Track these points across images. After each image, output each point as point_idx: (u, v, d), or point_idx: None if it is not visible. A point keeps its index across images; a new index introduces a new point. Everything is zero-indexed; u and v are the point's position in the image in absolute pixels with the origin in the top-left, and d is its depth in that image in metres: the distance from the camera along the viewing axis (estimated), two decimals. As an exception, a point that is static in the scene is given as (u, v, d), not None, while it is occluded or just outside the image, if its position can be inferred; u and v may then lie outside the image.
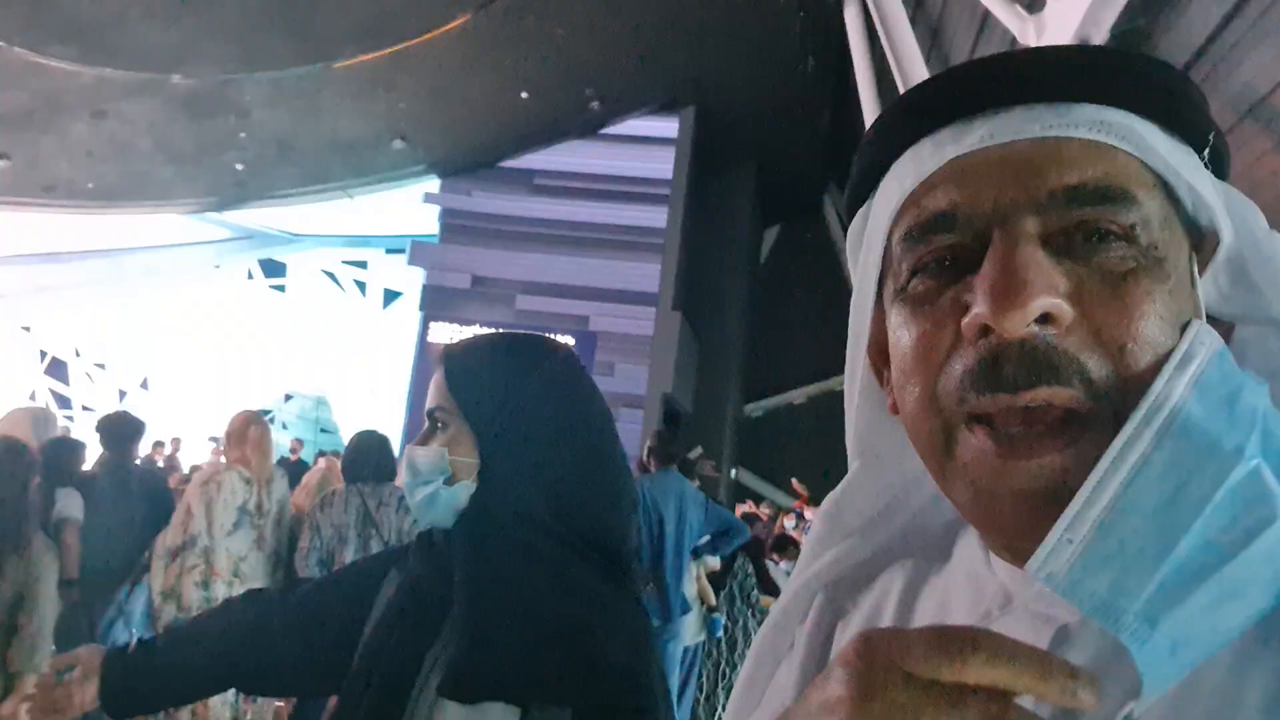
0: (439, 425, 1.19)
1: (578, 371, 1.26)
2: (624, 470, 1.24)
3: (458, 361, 1.23)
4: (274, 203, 14.32)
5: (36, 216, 12.69)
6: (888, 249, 0.56)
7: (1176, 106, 0.51)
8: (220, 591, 3.91)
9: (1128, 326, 0.46)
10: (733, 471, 15.53)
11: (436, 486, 1.15)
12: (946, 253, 0.51)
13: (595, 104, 12.85)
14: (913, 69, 6.61)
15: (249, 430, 4.21)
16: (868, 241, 0.59)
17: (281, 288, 17.39)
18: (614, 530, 1.19)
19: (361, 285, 17.35)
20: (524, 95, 12.10)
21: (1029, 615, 0.49)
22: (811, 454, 15.34)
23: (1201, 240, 0.52)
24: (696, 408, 14.20)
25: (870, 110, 12.10)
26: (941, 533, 0.63)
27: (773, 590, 5.40)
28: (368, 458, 4.18)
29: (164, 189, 12.69)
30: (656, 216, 13.27)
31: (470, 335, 1.29)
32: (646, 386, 12.09)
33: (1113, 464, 0.42)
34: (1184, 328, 0.47)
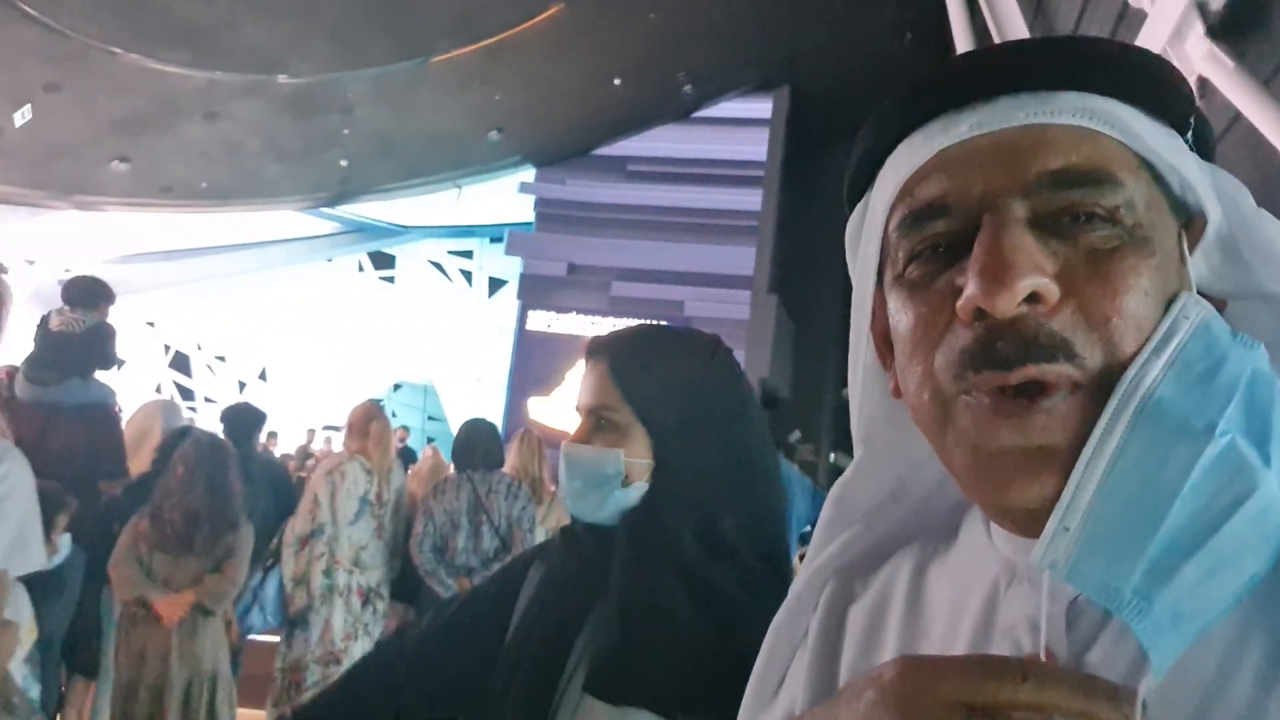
0: (603, 423, 1.13)
1: (738, 368, 1.23)
2: (780, 473, 1.21)
3: (624, 357, 1.16)
4: (377, 197, 14.71)
5: (156, 216, 13.30)
6: (885, 238, 0.58)
7: (1159, 92, 0.53)
8: (341, 580, 4.06)
9: (1112, 302, 0.48)
10: (831, 455, 15.34)
11: (613, 489, 1.11)
12: (940, 239, 0.53)
13: (688, 87, 12.78)
14: (1016, 38, 6.36)
15: (371, 425, 4.38)
16: (866, 232, 0.61)
17: (391, 279, 17.69)
18: (777, 538, 1.16)
19: (468, 275, 17.47)
20: (616, 82, 12.12)
21: (1035, 589, 0.50)
22: (912, 437, 14.97)
23: (1190, 220, 0.53)
24: (794, 391, 14.06)
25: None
26: (948, 514, 0.64)
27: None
28: (477, 446, 4.27)
29: (272, 186, 13.17)
30: (751, 199, 13.15)
31: (625, 328, 1.23)
32: (744, 371, 12.01)
33: (1096, 450, 0.45)
34: (1172, 299, 0.49)
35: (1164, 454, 0.44)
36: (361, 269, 17.58)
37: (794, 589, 0.70)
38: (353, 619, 4.13)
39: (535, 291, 13.91)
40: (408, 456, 11.58)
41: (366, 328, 16.67)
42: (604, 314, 13.55)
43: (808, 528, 4.53)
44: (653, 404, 1.13)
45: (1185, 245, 0.52)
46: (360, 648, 4.10)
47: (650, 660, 1.03)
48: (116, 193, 11.99)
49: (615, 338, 1.20)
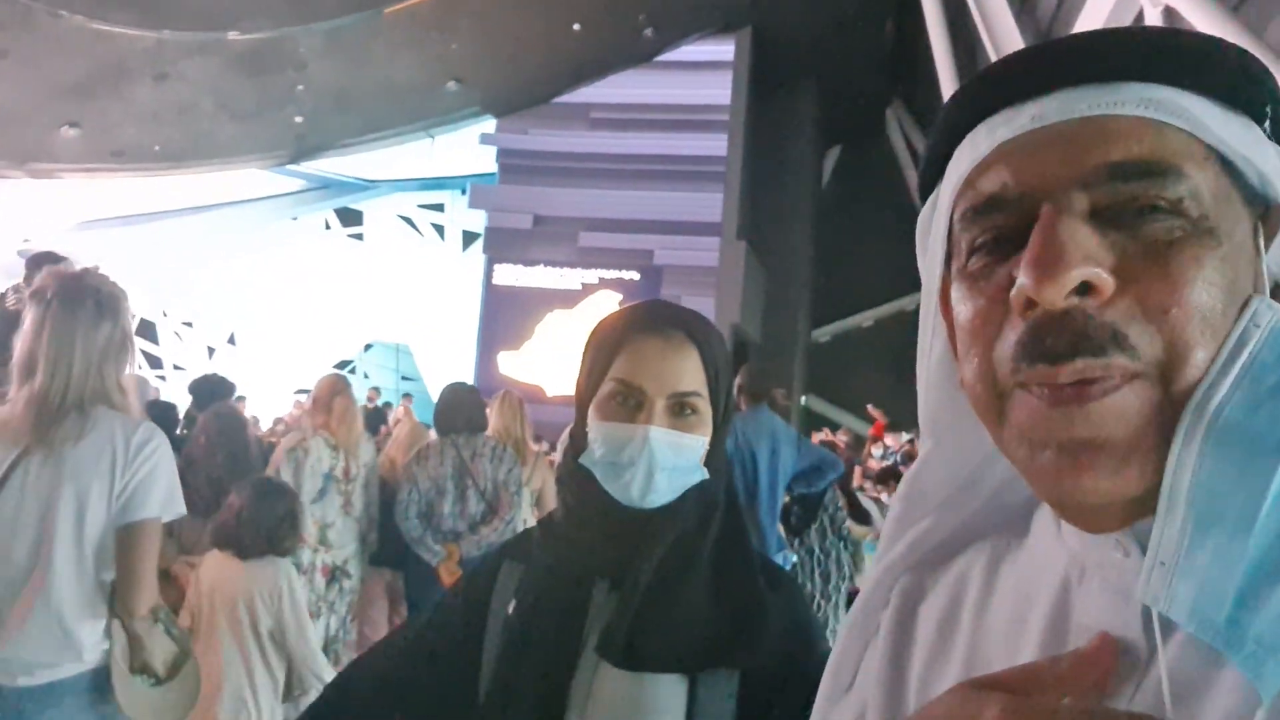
0: (687, 409, 1.11)
1: None
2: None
3: (708, 340, 1.13)
4: (337, 153, 14.43)
5: (111, 181, 12.96)
6: (951, 231, 0.58)
7: (1232, 81, 0.51)
8: (305, 557, 4.01)
9: (1172, 293, 0.46)
10: (803, 399, 15.48)
11: (694, 476, 1.11)
12: (1001, 231, 0.52)
13: (649, 31, 12.59)
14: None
15: (334, 401, 4.27)
16: (935, 225, 0.61)
17: (360, 236, 17.29)
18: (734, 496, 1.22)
19: (439, 229, 17.09)
20: (576, 27, 11.91)
21: (1108, 590, 0.51)
22: (881, 377, 15.19)
23: (1268, 212, 0.52)
24: (765, 337, 14.13)
25: (934, 18, 11.62)
26: (1022, 508, 0.63)
27: (863, 518, 5.39)
28: (459, 410, 4.23)
29: (227, 147, 12.87)
30: (716, 144, 13.06)
31: (678, 306, 1.19)
32: (714, 318, 12.01)
33: (1174, 478, 0.44)
34: (1244, 305, 0.48)
35: (1240, 474, 0.44)
36: (328, 227, 17.16)
37: (866, 587, 0.70)
38: (316, 597, 4.08)
39: (501, 245, 13.78)
40: (379, 417, 11.53)
41: (336, 287, 16.41)
42: (572, 265, 13.49)
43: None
44: (719, 391, 1.13)
45: (1262, 239, 0.51)
46: (324, 625, 4.09)
47: (669, 627, 1.05)
48: (68, 159, 11.66)
49: (695, 319, 1.15)
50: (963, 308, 0.55)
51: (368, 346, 17.62)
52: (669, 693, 1.03)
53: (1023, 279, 0.47)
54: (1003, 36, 9.21)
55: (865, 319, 16.75)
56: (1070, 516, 0.53)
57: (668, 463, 1.08)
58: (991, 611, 0.60)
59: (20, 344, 1.93)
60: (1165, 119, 0.50)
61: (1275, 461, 0.43)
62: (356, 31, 10.86)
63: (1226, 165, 0.51)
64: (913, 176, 17.17)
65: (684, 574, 1.08)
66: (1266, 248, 0.51)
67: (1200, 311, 0.47)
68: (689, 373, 1.11)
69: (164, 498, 2.00)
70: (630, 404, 1.10)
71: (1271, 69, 0.52)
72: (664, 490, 1.09)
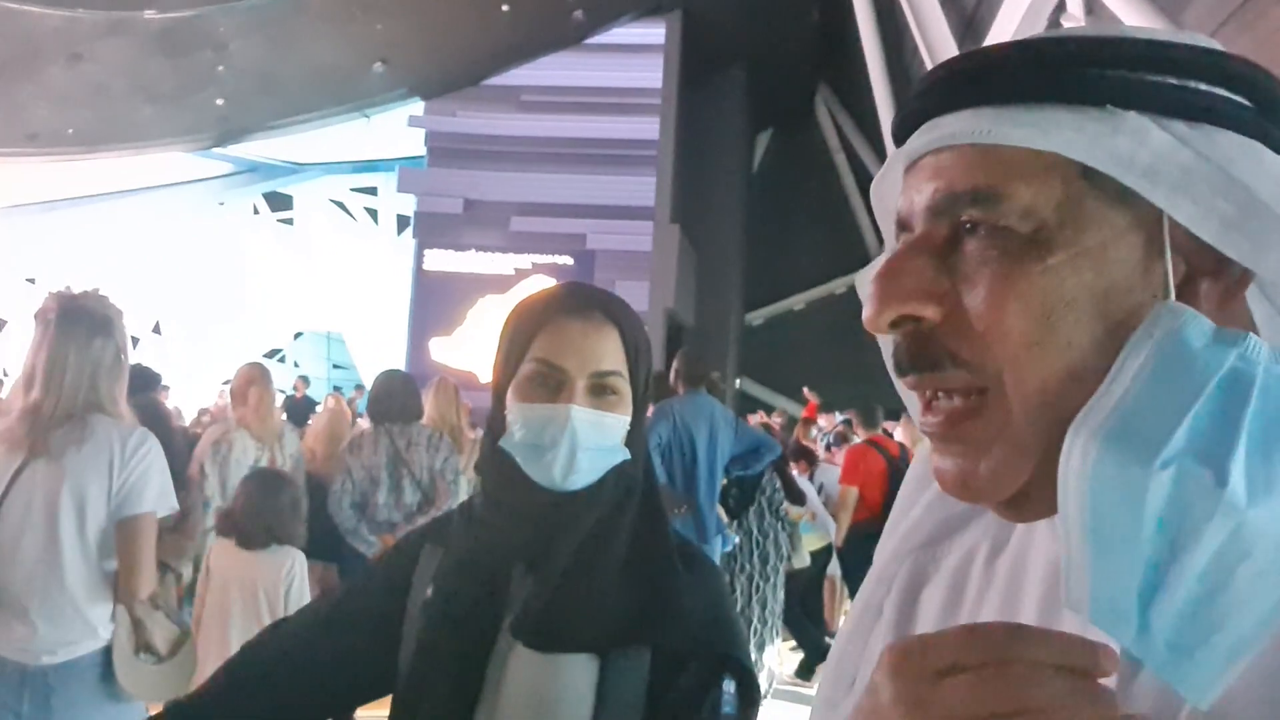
0: (607, 389, 1.11)
1: None
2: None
3: (628, 321, 1.14)
4: (261, 137, 14.02)
5: (25, 167, 12.42)
6: None
7: (1080, 79, 0.51)
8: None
9: (987, 310, 0.50)
10: (737, 382, 15.60)
11: (616, 456, 1.11)
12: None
13: (578, 13, 12.48)
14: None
15: (249, 392, 4.22)
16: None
17: (289, 220, 16.66)
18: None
19: (373, 213, 16.53)
20: (505, 8, 11.75)
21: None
22: (813, 359, 15.39)
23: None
24: (698, 320, 14.19)
25: (862, 2, 11.74)
26: None
27: (799, 499, 5.46)
28: (394, 398, 4.16)
29: (145, 130, 12.38)
30: (648, 128, 13.02)
31: (595, 288, 1.20)
32: (648, 302, 12.02)
33: (1068, 520, 0.45)
34: (1135, 308, 0.49)
35: (1127, 482, 0.44)
36: (257, 211, 16.54)
37: (872, 572, 0.71)
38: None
39: (432, 230, 13.57)
40: (308, 408, 11.27)
41: (265, 273, 15.93)
42: (504, 250, 13.35)
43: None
44: (640, 370, 1.15)
45: (1166, 229, 0.50)
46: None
47: (582, 608, 1.06)
48: (-22, 143, 11.15)
49: (613, 301, 1.16)
50: None
51: (298, 334, 17.14)
52: (580, 673, 1.05)
53: (864, 309, 0.54)
54: (930, 25, 9.34)
55: (797, 302, 16.92)
56: (996, 510, 0.56)
57: (590, 442, 1.08)
58: (989, 599, 0.62)
59: (25, 360, 2.21)
60: (997, 141, 0.52)
61: (1146, 481, 0.43)
62: (279, 11, 10.56)
63: (1086, 169, 0.50)
64: (842, 161, 17.44)
65: (599, 556, 1.09)
66: (1170, 234, 0.50)
67: (1019, 322, 0.49)
68: (610, 353, 1.11)
69: (157, 494, 2.25)
70: (551, 384, 1.09)
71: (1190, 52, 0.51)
72: (585, 471, 1.08)
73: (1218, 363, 0.45)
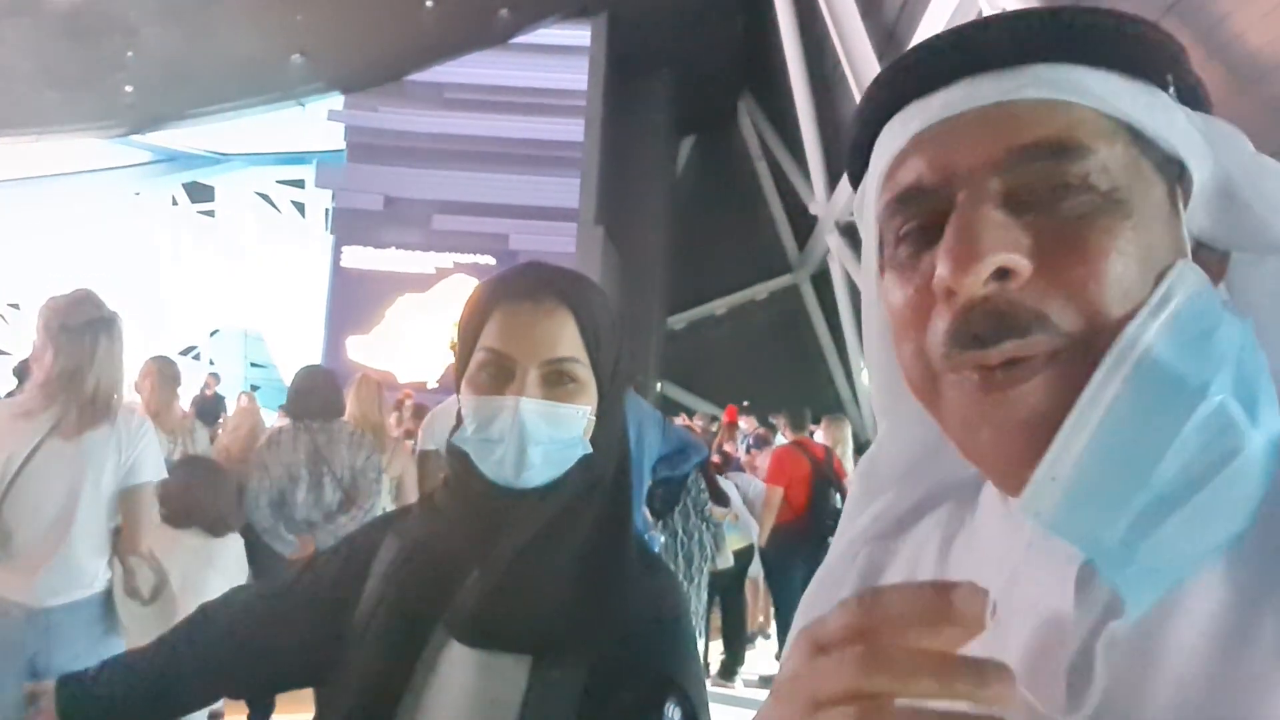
0: (565, 378, 1.04)
1: None
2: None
3: (585, 303, 1.06)
4: (173, 126, 13.51)
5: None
6: (879, 222, 0.60)
7: (1131, 52, 0.53)
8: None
9: (1087, 267, 0.48)
10: (658, 385, 15.66)
11: (577, 451, 1.05)
12: (924, 219, 0.54)
13: (504, 11, 12.40)
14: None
15: (143, 384, 4.23)
16: (865, 216, 0.63)
17: (210, 213, 16.02)
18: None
19: (300, 206, 15.92)
20: (429, 4, 11.60)
21: (1050, 553, 0.51)
22: (734, 364, 15.54)
23: (1184, 174, 0.54)
24: (621, 323, 14.17)
25: (784, 13, 11.95)
26: (975, 479, 0.65)
27: (723, 500, 5.49)
28: (314, 393, 4.04)
29: (50, 115, 11.81)
30: (572, 130, 13.00)
31: (552, 267, 1.11)
32: (571, 304, 11.97)
33: (1089, 404, 0.46)
34: (1167, 269, 0.50)
35: (1157, 410, 0.45)
36: (175, 203, 15.82)
37: (826, 562, 0.70)
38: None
39: (350, 226, 13.30)
40: (218, 407, 10.93)
41: (183, 267, 15.29)
42: (425, 249, 13.17)
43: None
44: (604, 358, 1.07)
45: (1181, 202, 0.53)
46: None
47: (519, 606, 1.01)
48: None
49: (565, 278, 1.09)
50: (893, 296, 0.57)
51: (214, 332, 16.38)
52: (510, 672, 1.00)
53: (941, 270, 0.49)
54: (851, 37, 9.55)
55: (718, 306, 17.08)
56: (1014, 492, 0.53)
57: (542, 436, 1.02)
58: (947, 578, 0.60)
59: (37, 357, 2.60)
60: (1068, 98, 0.51)
61: (1195, 401, 0.46)
62: (193, -3, 10.22)
63: (1135, 135, 0.52)
64: (763, 169, 17.70)
65: (548, 555, 1.03)
66: (1185, 208, 0.53)
67: (1116, 282, 0.48)
68: (564, 339, 1.04)
69: (155, 466, 2.76)
70: (500, 375, 1.04)
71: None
72: (540, 467, 1.03)
73: (1237, 328, 0.49)
